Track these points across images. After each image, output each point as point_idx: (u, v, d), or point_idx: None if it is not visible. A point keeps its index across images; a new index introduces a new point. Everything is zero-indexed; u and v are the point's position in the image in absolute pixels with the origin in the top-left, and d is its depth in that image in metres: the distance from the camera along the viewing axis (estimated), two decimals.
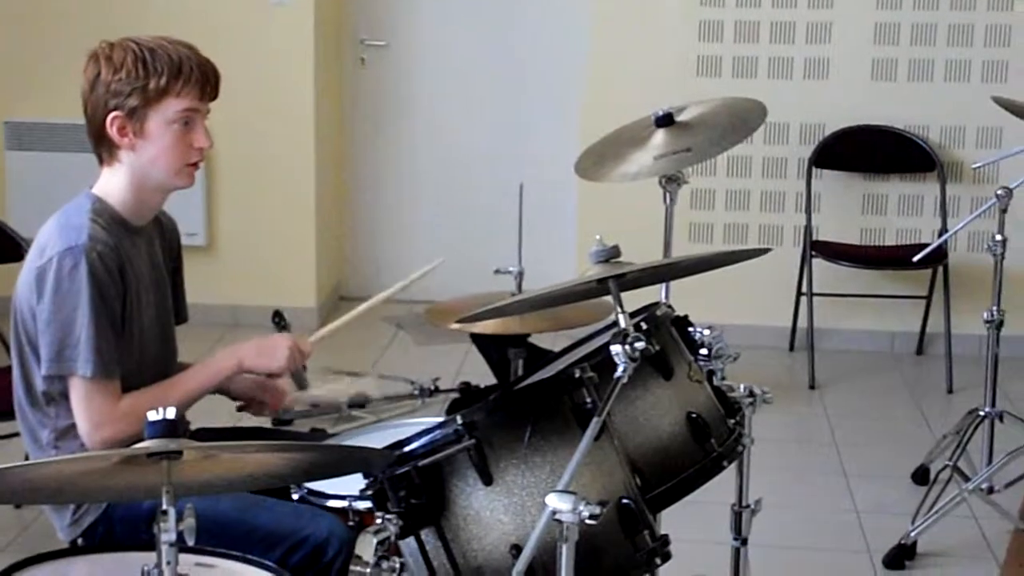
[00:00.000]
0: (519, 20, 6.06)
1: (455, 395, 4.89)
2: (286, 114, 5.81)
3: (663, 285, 3.38)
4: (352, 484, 2.49)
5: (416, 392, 5.02)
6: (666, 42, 5.70)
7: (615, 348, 2.21)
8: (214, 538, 2.30)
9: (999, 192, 3.75)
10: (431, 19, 6.12)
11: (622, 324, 2.25)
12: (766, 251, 2.58)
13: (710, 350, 2.74)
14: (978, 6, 5.49)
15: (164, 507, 1.95)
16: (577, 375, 2.35)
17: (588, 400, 2.33)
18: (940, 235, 5.15)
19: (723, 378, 2.80)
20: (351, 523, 2.63)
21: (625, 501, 2.30)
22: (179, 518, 1.95)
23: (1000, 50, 5.50)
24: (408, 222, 6.26)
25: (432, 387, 5.04)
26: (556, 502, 2.04)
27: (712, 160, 5.62)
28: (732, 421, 2.69)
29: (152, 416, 1.96)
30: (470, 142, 6.15)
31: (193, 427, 2.78)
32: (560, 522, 2.05)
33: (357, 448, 2.55)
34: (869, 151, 5.63)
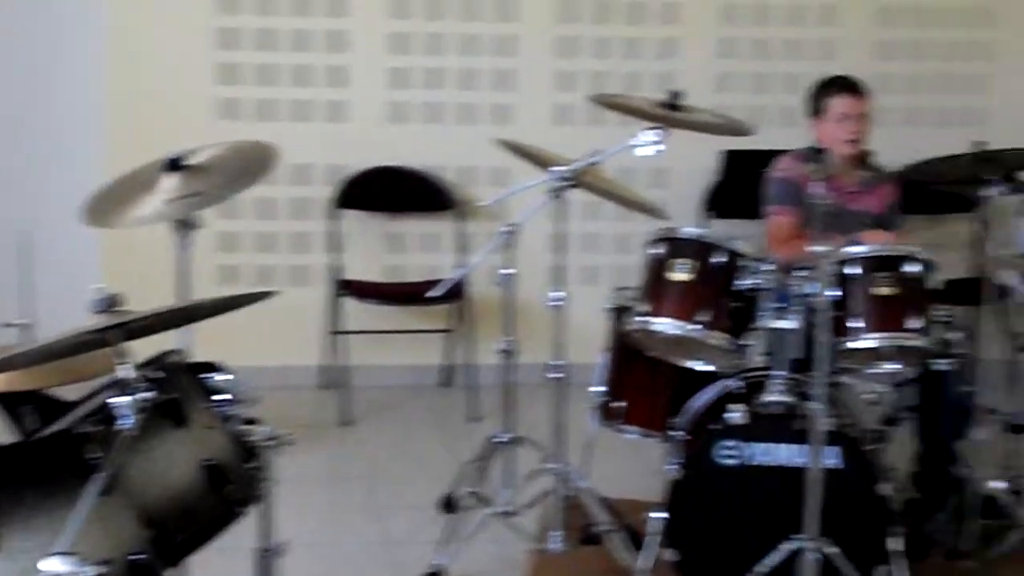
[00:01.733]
0: (34, 64, 5.76)
1: None
2: None
3: (186, 330, 3.29)
4: None
5: None
6: (184, 85, 5.61)
7: (118, 400, 2.14)
8: None
9: (506, 228, 3.91)
10: None
11: (124, 375, 2.18)
12: (272, 294, 2.57)
13: (228, 395, 2.70)
14: (483, 51, 5.74)
15: None
16: (82, 430, 2.26)
17: (95, 455, 2.24)
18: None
19: (250, 421, 2.77)
20: None
21: (135, 556, 2.22)
22: None
23: (506, 94, 5.78)
24: None
25: None
26: (52, 566, 1.94)
27: (238, 202, 5.58)
28: (251, 465, 2.67)
29: None
30: None
31: None
32: None
33: None
34: (390, 191, 5.75)
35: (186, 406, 2.52)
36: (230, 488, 2.52)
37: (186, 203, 3.10)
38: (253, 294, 2.48)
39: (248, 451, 2.66)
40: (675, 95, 3.66)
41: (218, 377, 2.64)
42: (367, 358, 5.75)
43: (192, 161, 3.23)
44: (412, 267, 5.84)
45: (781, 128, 5.61)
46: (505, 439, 4.13)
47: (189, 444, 2.49)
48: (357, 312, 5.61)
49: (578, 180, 3.78)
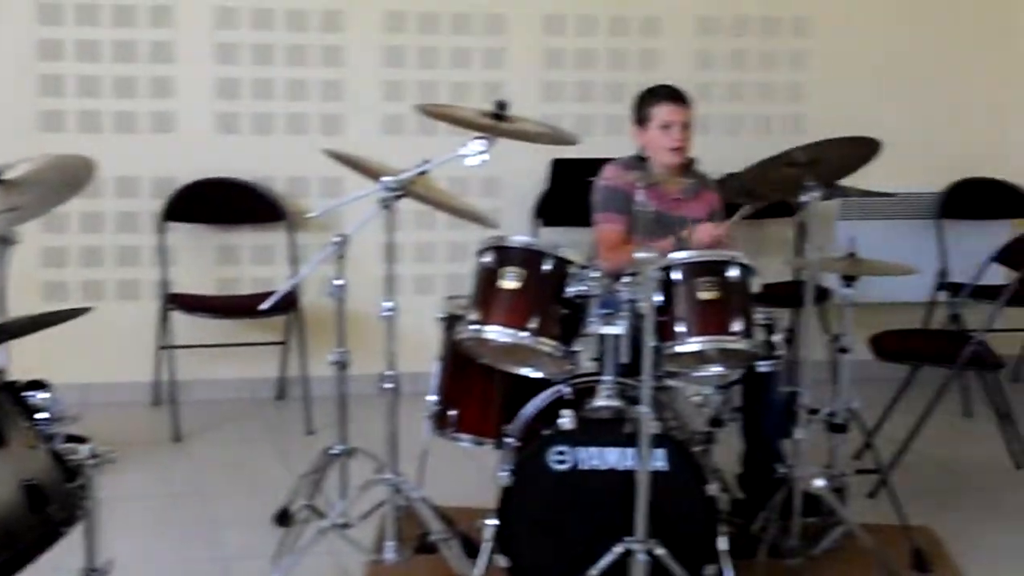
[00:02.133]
0: None
1: None
2: None
3: (4, 348, 3.21)
4: None
5: None
6: (5, 97, 5.47)
7: None
8: None
9: (336, 239, 3.89)
10: None
11: None
12: (88, 310, 2.52)
13: (49, 413, 2.64)
14: (312, 61, 5.71)
15: None
16: None
17: None
18: None
19: (74, 439, 2.71)
20: None
21: None
22: None
23: (335, 104, 5.75)
24: None
25: None
26: None
27: (63, 216, 5.46)
28: (74, 484, 2.61)
29: None
30: None
31: None
32: None
33: None
34: (220, 203, 5.67)
35: (4, 425, 2.45)
36: (51, 508, 2.46)
37: (2, 218, 3.02)
38: (69, 311, 2.42)
39: (70, 470, 2.60)
40: (500, 105, 3.68)
41: (39, 395, 2.58)
42: (200, 373, 5.68)
43: (8, 176, 3.14)
44: (245, 279, 5.78)
45: (608, 136, 5.71)
46: (339, 451, 4.10)
47: (8, 464, 2.42)
48: (189, 326, 5.53)
49: (407, 190, 3.78)
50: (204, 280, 5.72)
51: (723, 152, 5.16)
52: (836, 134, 4.13)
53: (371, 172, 3.86)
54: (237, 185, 5.67)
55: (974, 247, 5.69)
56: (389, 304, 3.80)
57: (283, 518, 4.31)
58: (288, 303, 5.38)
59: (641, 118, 4.50)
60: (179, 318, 5.50)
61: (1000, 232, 6.06)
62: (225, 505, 4.62)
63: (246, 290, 5.74)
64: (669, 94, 4.48)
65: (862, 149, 4.08)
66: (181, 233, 5.68)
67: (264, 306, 4.07)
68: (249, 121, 5.70)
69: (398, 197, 3.75)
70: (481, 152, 3.56)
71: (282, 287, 4.26)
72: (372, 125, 5.77)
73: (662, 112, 4.44)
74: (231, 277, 5.77)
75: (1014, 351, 6.26)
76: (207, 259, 5.75)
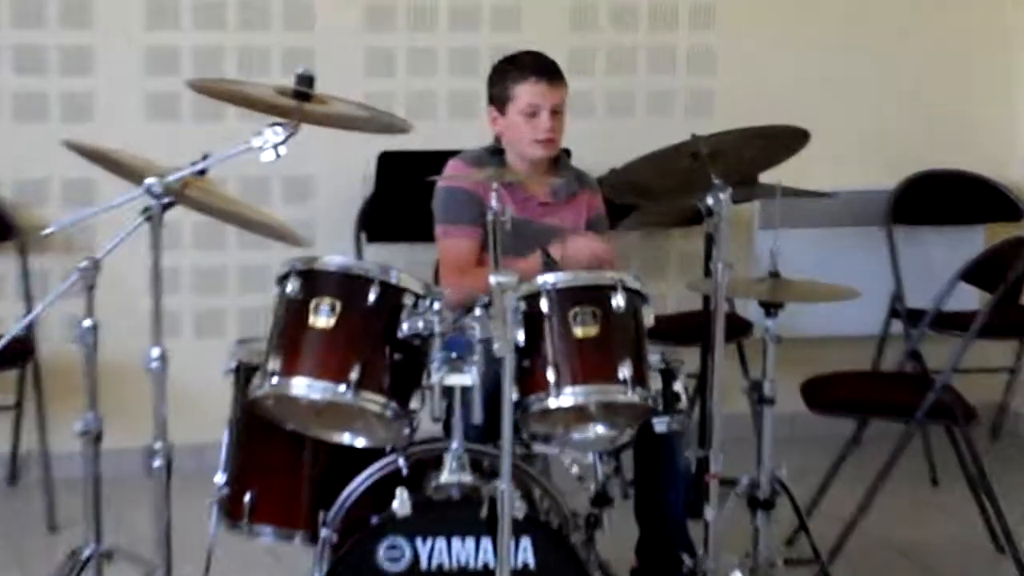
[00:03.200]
0: None
1: None
2: None
3: None
4: None
5: None
6: None
7: None
8: None
9: (84, 264, 3.84)
10: None
11: None
12: None
13: None
14: (46, 24, 5.64)
15: None
16: None
17: None
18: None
19: None
20: None
21: None
22: None
23: (80, 80, 5.68)
24: None
25: None
26: None
27: None
28: None
29: None
30: None
31: None
32: None
33: None
34: None
35: None
36: None
37: None
38: None
39: None
40: (305, 80, 3.67)
41: None
42: None
43: None
44: None
45: (453, 121, 5.75)
46: (92, 553, 4.06)
47: None
48: None
49: (181, 196, 3.76)
50: None
51: (608, 140, 5.23)
52: (753, 116, 4.21)
53: (131, 172, 3.84)
54: None
55: (937, 262, 5.81)
56: (157, 351, 3.77)
57: None
58: (20, 352, 5.30)
59: (498, 98, 4.51)
60: None
61: (971, 241, 6.20)
62: None
63: None
64: (536, 68, 4.49)
65: (785, 140, 4.15)
66: None
67: None
68: None
69: (168, 206, 3.72)
70: (279, 143, 3.55)
71: (11, 330, 4.22)
72: (132, 107, 5.74)
73: (526, 92, 4.46)
74: None
75: (992, 398, 6.40)
76: None
